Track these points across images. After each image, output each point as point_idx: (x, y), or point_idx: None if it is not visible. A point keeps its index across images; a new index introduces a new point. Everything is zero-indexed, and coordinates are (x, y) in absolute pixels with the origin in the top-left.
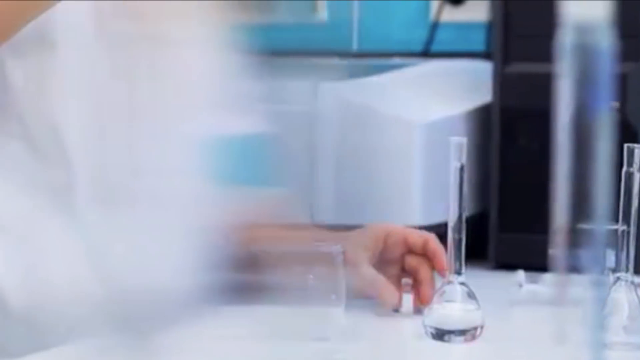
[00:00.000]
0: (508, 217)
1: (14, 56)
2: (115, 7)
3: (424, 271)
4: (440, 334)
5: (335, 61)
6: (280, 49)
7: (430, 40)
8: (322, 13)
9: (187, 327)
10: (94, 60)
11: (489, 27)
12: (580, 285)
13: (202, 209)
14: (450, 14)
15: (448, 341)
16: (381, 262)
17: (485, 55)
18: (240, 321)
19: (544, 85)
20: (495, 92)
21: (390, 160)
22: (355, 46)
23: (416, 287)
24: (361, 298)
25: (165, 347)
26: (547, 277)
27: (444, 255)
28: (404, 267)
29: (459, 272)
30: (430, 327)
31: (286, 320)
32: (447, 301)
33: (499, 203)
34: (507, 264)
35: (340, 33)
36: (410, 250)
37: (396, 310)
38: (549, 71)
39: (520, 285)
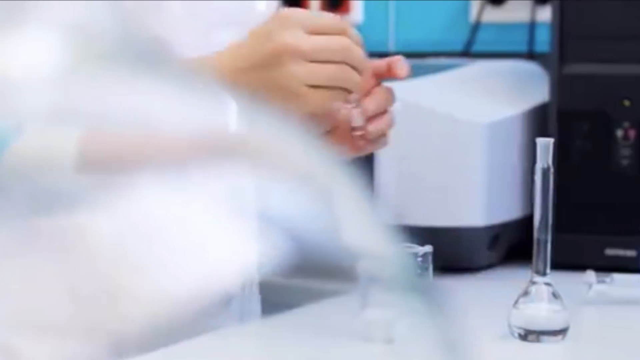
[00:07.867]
0: (564, 218)
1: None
2: None
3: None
4: (526, 335)
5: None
6: None
7: (471, 40)
8: (358, 13)
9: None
10: None
11: (531, 27)
12: None
13: None
14: (491, 14)
15: (535, 342)
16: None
17: (529, 56)
18: (295, 324)
19: (600, 86)
20: (552, 93)
21: (452, 160)
22: (391, 47)
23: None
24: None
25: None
26: (616, 277)
27: (401, 60)
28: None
29: (544, 273)
30: (517, 327)
31: (351, 322)
32: (533, 301)
33: (555, 204)
34: (563, 264)
35: (376, 34)
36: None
37: (353, 128)
38: (605, 72)
39: (590, 286)
